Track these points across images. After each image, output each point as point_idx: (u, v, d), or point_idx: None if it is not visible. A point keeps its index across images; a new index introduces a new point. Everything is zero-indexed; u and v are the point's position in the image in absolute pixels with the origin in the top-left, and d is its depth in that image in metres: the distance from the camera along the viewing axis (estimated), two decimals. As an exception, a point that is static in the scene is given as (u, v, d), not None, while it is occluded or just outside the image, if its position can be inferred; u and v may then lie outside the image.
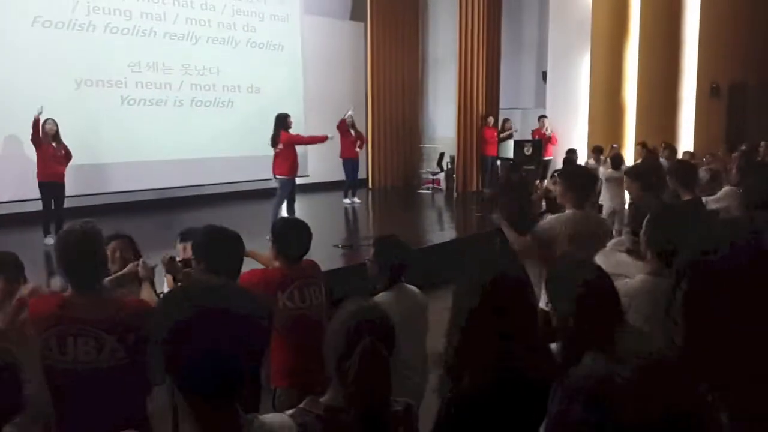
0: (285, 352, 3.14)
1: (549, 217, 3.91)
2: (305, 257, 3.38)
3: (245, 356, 1.24)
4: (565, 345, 1.96)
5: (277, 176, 9.19)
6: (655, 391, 0.86)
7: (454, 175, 14.10)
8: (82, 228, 2.51)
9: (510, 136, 13.63)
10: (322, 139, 9.70)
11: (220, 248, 2.87)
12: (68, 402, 2.49)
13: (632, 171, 4.79)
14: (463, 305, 1.87)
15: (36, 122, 8.16)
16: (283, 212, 9.04)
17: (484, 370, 1.79)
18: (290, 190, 9.22)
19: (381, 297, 3.14)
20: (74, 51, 9.79)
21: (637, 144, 11.13)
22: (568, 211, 3.80)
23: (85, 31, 9.95)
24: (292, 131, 9.26)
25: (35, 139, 8.20)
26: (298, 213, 9.42)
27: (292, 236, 3.30)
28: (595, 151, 10.65)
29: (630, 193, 4.68)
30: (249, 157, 11.80)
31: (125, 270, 3.29)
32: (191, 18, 11.20)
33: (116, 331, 2.46)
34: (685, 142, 12.03)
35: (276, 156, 9.13)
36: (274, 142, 9.08)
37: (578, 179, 3.99)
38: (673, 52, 11.76)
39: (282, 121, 9.16)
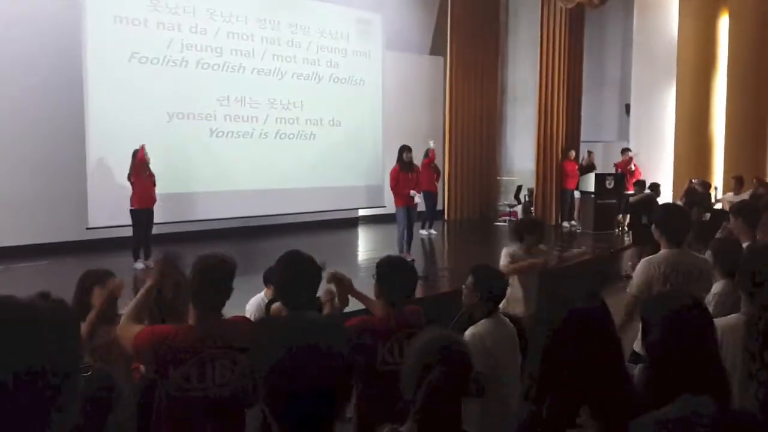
0: (371, 409, 2.95)
1: (642, 261, 3.81)
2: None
3: (338, 392, 1.28)
4: (651, 381, 1.94)
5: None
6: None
7: (532, 208, 13.95)
8: (219, 258, 2.65)
9: (592, 167, 13.36)
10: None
11: (292, 275, 2.84)
12: (195, 428, 2.57)
13: (735, 207, 4.61)
14: (542, 333, 1.87)
15: (140, 154, 8.62)
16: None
17: (562, 399, 1.78)
18: (406, 219, 9.37)
19: (482, 325, 3.22)
20: (167, 85, 10.30)
21: (732, 177, 10.73)
22: (662, 251, 3.72)
23: (178, 66, 10.47)
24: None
25: (138, 169, 8.61)
26: (375, 244, 9.59)
27: (394, 278, 3.11)
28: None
29: (734, 230, 4.51)
30: (330, 188, 12.11)
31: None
32: (278, 54, 11.62)
33: (245, 348, 2.55)
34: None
35: None
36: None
37: (668, 218, 3.88)
38: (763, 84, 11.33)
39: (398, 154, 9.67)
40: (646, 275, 3.64)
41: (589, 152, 13.80)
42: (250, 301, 3.91)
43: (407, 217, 9.32)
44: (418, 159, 11.55)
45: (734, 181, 10.40)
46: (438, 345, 1.72)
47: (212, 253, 2.68)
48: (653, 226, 3.83)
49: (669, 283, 3.53)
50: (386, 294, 3.09)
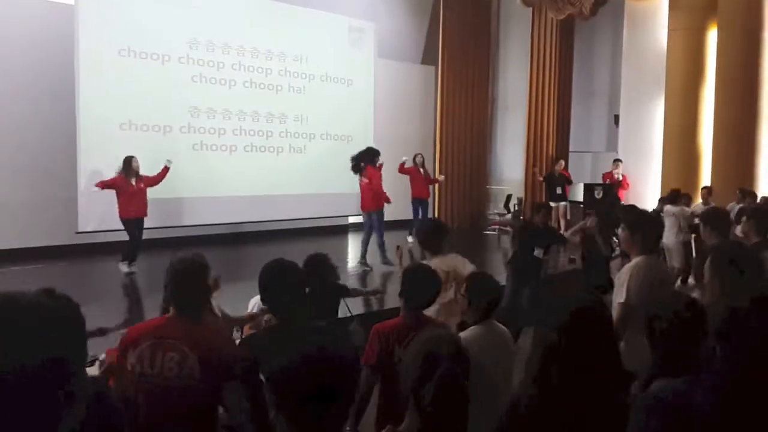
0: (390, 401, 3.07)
1: (624, 268, 3.83)
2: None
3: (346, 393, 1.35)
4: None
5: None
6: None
7: (521, 217, 14.01)
8: (192, 258, 2.72)
9: (563, 179, 13.27)
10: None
11: (274, 286, 2.89)
12: (148, 413, 2.61)
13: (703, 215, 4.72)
14: (542, 339, 1.88)
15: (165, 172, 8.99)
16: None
17: (556, 402, 1.78)
18: (370, 226, 9.66)
19: (471, 331, 3.19)
20: (161, 93, 10.27)
21: (703, 187, 10.98)
22: (638, 258, 3.73)
23: (171, 76, 10.45)
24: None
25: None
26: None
27: (415, 283, 3.29)
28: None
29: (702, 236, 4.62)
30: (320, 195, 12.12)
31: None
32: (269, 60, 11.64)
33: (199, 350, 2.59)
34: (764, 189, 11.61)
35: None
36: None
37: (643, 225, 3.92)
38: (751, 96, 11.43)
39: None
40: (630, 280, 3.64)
41: (547, 163, 13.48)
42: (252, 300, 4.02)
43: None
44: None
45: (705, 191, 10.60)
46: (441, 341, 1.73)
47: (186, 254, 2.75)
48: (623, 233, 3.90)
49: (643, 292, 3.53)
50: (407, 299, 3.27)
